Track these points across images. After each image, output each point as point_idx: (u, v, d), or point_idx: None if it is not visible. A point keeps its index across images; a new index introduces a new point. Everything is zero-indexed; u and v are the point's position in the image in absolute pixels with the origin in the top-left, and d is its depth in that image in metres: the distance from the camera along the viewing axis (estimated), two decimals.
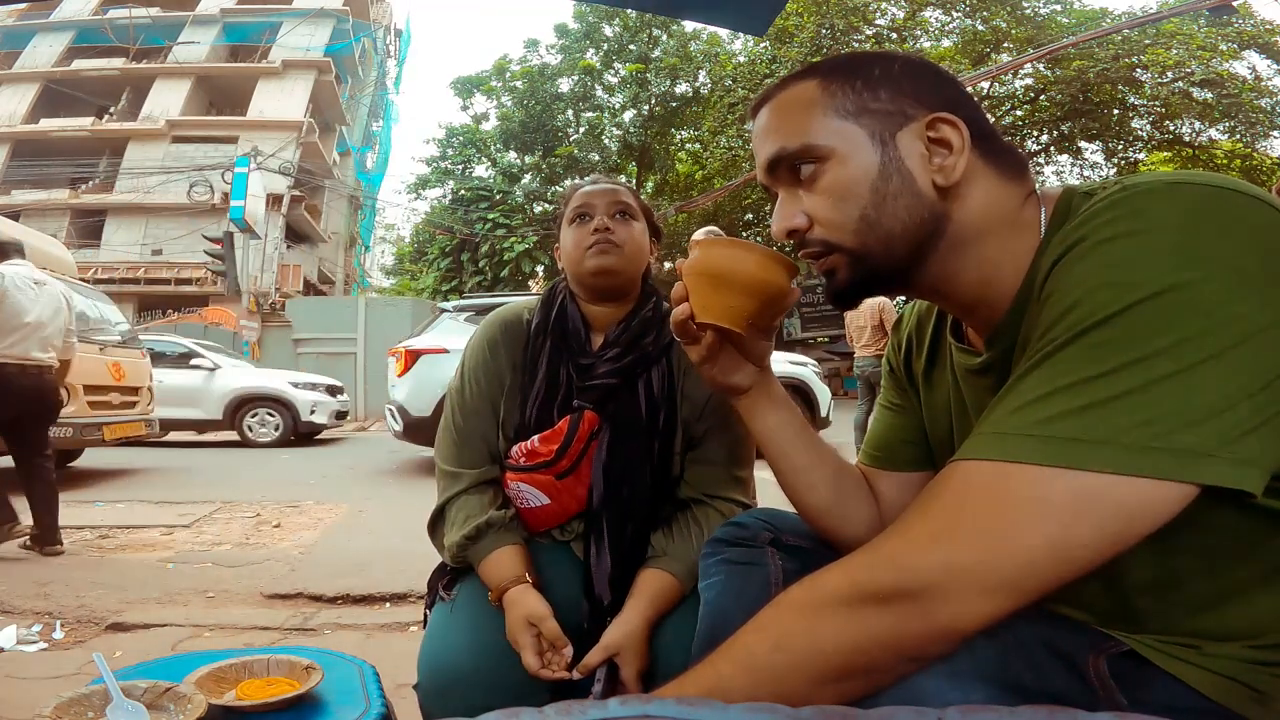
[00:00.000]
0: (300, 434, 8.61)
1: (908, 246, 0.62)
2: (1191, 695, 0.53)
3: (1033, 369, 0.52)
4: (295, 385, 8.66)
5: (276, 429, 8.45)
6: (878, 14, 16.65)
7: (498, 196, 19.60)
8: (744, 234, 24.39)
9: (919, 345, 0.80)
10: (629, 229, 1.10)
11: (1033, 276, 0.58)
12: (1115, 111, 15.36)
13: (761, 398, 0.78)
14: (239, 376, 8.59)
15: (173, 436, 8.37)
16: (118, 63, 20.04)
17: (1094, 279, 0.50)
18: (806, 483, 0.78)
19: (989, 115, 0.67)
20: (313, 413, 8.55)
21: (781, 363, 6.64)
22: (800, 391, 6.47)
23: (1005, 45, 15.52)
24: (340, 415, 9.09)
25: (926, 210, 0.61)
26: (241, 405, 8.38)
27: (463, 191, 20.37)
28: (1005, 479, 0.49)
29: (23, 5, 19.01)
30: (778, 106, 0.67)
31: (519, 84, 21.33)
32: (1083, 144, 16.68)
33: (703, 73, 20.52)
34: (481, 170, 21.82)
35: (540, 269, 18.70)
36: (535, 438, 1.05)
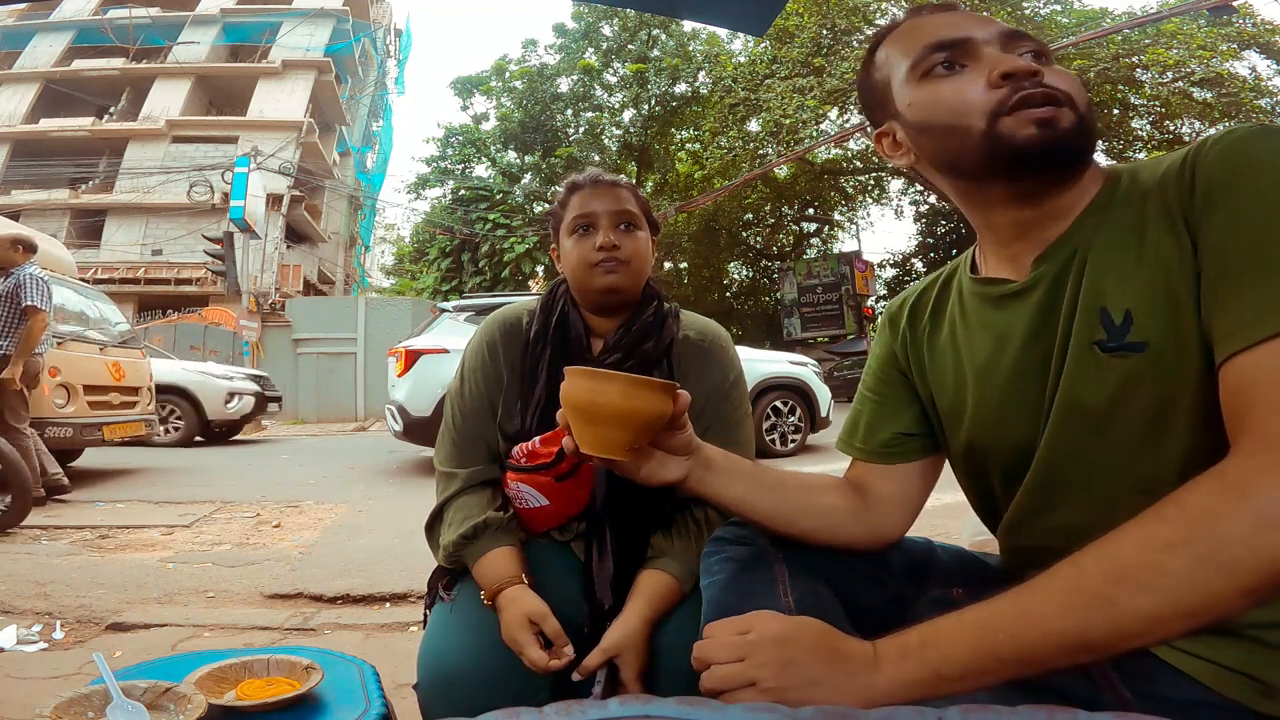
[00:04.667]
0: (213, 432, 7.95)
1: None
2: (1195, 688, 0.52)
3: (1252, 245, 0.51)
4: (203, 374, 7.88)
5: (178, 430, 7.55)
6: (878, 14, 16.66)
7: (498, 196, 19.61)
8: (743, 234, 24.36)
9: (918, 321, 0.81)
10: (635, 241, 1.08)
11: (1107, 194, 0.63)
12: (1115, 111, 15.37)
13: (702, 475, 0.78)
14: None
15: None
16: (118, 63, 20.05)
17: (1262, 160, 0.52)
18: (784, 520, 0.78)
19: None
20: (228, 404, 7.75)
21: (782, 363, 6.64)
22: (800, 392, 6.47)
23: None
24: (264, 403, 8.16)
25: None
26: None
27: (463, 191, 20.38)
28: None
29: (23, 5, 19.02)
30: None
31: (518, 84, 21.35)
32: None
33: (702, 73, 20.54)
34: (481, 170, 21.85)
35: (540, 269, 18.71)
36: (536, 439, 1.05)
